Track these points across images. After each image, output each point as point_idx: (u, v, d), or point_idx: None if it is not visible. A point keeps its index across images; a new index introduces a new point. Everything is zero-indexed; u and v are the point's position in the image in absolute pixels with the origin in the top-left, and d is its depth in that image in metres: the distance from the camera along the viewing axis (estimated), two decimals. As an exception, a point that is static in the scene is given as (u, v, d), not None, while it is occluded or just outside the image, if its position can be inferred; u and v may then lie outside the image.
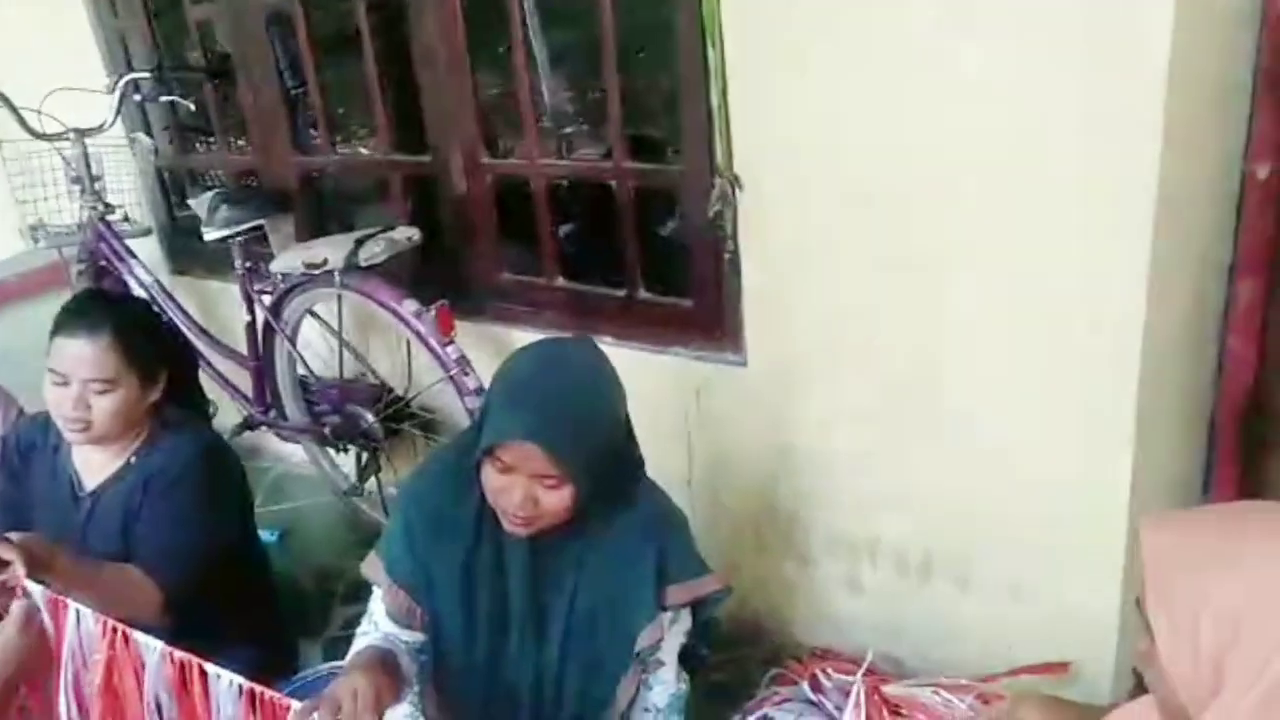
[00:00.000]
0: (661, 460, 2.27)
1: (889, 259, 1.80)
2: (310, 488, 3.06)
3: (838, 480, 2.02)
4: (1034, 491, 1.78)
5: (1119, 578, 1.78)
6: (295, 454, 3.13)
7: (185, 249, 3.28)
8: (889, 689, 1.55)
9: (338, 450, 2.74)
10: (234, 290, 2.88)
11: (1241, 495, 2.03)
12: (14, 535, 1.45)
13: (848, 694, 1.57)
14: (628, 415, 1.47)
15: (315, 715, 1.20)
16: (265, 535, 2.52)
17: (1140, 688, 1.28)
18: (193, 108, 2.92)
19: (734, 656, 2.17)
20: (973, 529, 1.88)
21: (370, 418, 2.52)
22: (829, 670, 1.65)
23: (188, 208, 2.97)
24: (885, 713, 1.50)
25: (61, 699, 1.43)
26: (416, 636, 1.50)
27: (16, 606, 1.44)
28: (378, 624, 1.52)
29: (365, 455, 2.64)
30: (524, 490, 1.33)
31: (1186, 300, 1.80)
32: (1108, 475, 1.73)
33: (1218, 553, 1.01)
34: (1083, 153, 1.57)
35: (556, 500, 1.34)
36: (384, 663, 1.39)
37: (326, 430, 2.62)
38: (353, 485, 2.70)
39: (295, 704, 1.25)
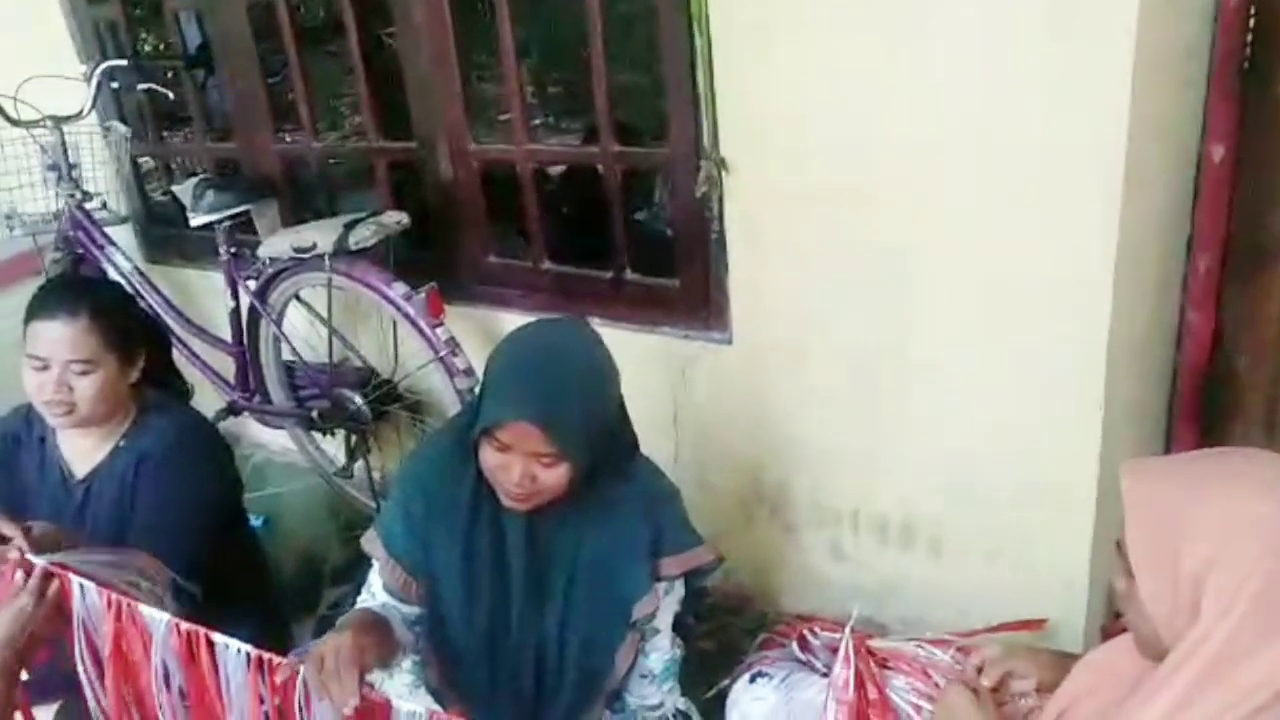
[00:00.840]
0: (649, 438, 2.32)
1: (867, 237, 1.87)
2: (292, 474, 3.08)
3: (820, 453, 2.10)
4: (1006, 459, 1.88)
5: (1088, 540, 1.87)
6: (276, 441, 3.15)
7: (161, 237, 3.28)
8: (874, 643, 1.62)
9: (324, 434, 2.76)
10: (212, 277, 2.90)
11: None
12: (35, 525, 1.47)
13: (835, 651, 1.63)
14: (621, 395, 1.52)
15: (301, 670, 1.22)
16: (251, 521, 2.54)
17: (1110, 636, 1.37)
18: (170, 96, 2.93)
19: (721, 625, 2.25)
20: (949, 497, 1.96)
21: (358, 400, 2.55)
22: (816, 630, 1.72)
23: (164, 196, 2.97)
24: (873, 664, 1.57)
25: (79, 661, 1.45)
26: (413, 609, 1.54)
27: (30, 578, 1.45)
28: (374, 595, 1.56)
29: (354, 438, 2.66)
30: (522, 468, 1.37)
31: (1150, 275, 1.90)
32: (1077, 442, 1.82)
33: (1193, 490, 1.10)
34: (1052, 135, 1.66)
35: (553, 477, 1.38)
36: (373, 625, 1.42)
37: (313, 414, 2.65)
38: (341, 468, 2.72)
39: (377, 696, 1.29)
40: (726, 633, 2.23)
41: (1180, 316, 2.07)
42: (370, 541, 1.55)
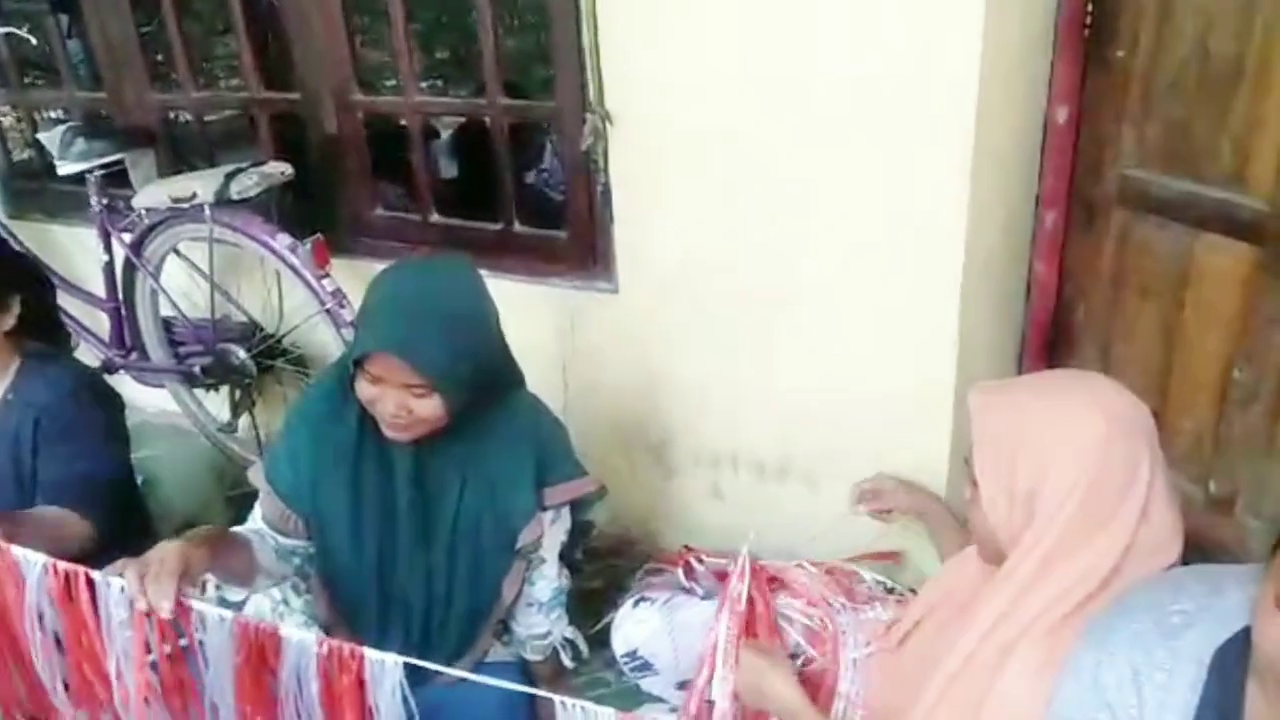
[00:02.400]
0: (538, 387, 2.37)
1: (745, 190, 1.96)
2: (171, 436, 2.99)
3: (701, 396, 2.19)
4: (873, 398, 2.00)
5: (945, 470, 2.02)
6: (154, 403, 3.06)
7: (23, 192, 3.13)
8: (764, 563, 1.72)
9: (207, 390, 2.71)
10: (80, 233, 2.80)
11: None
12: None
13: (719, 577, 1.72)
14: (500, 328, 1.54)
15: (124, 574, 1.22)
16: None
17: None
18: (34, 41, 2.80)
19: (609, 566, 2.34)
20: (822, 434, 2.09)
21: (242, 355, 2.52)
22: (701, 557, 1.81)
23: (30, 146, 2.84)
24: (764, 581, 1.67)
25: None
26: (295, 542, 1.56)
27: None
28: (253, 522, 1.58)
29: (238, 394, 2.63)
30: (395, 400, 1.39)
31: (1000, 229, 2.06)
32: (935, 383, 1.96)
33: (1030, 408, 1.23)
34: (911, 95, 1.77)
35: (427, 408, 1.40)
36: (216, 540, 1.41)
37: (195, 370, 2.60)
38: (225, 424, 2.68)
39: (196, 604, 1.30)
40: (613, 573, 2.31)
41: (1030, 269, 2.25)
42: (254, 472, 1.56)
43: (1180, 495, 1.27)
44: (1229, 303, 1.89)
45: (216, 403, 2.80)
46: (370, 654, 1.17)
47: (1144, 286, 2.06)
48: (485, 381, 1.48)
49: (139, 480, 2.75)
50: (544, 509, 1.55)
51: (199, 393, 2.78)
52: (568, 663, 1.76)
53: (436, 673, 1.58)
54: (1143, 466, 1.17)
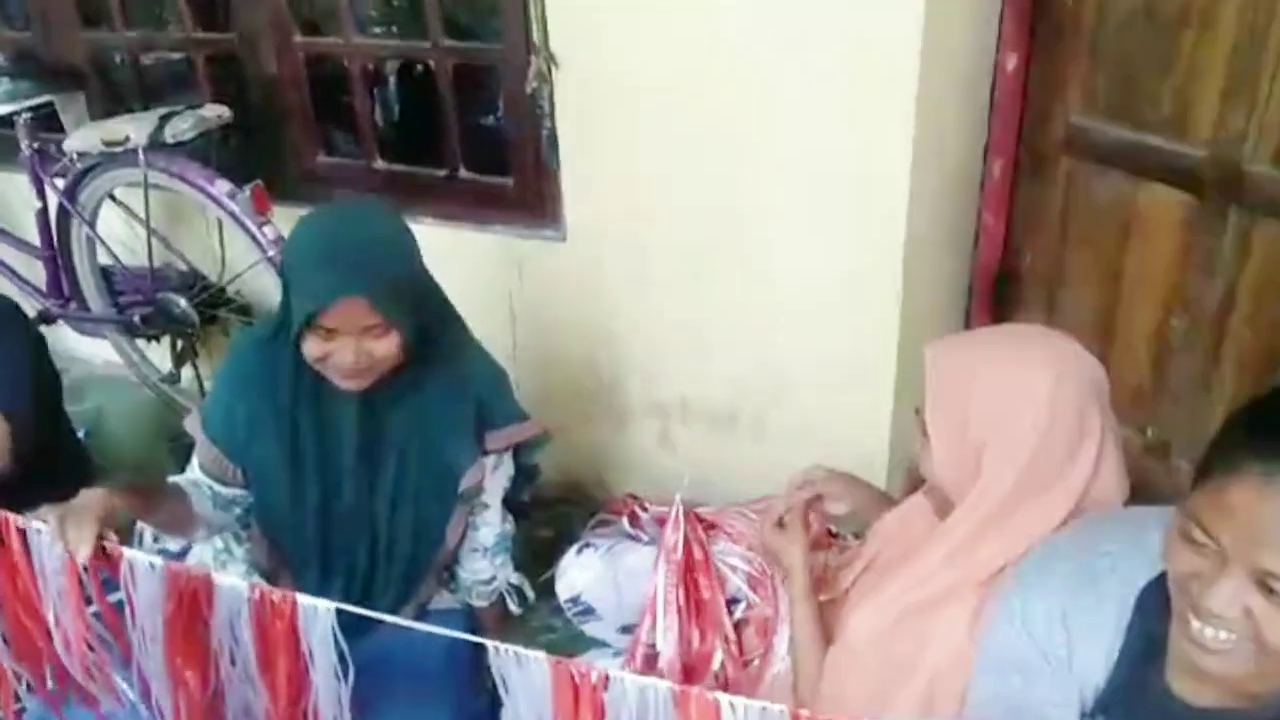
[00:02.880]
0: (487, 335, 2.34)
1: (689, 137, 1.94)
2: (113, 387, 2.95)
3: (651, 344, 2.19)
4: (819, 346, 2.01)
5: (888, 420, 2.05)
6: (95, 355, 3.00)
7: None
8: (701, 510, 1.73)
9: (148, 341, 2.66)
10: (15, 179, 2.70)
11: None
12: None
13: (663, 524, 1.73)
14: (423, 262, 1.50)
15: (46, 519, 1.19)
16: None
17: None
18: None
19: (560, 514, 2.34)
20: (769, 383, 2.09)
21: (184, 304, 2.47)
22: (645, 506, 1.82)
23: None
24: (700, 530, 1.68)
25: None
26: (235, 491, 1.54)
27: None
28: (191, 471, 1.56)
29: (180, 343, 2.58)
30: (354, 349, 1.37)
31: (949, 177, 2.06)
32: (880, 331, 1.97)
33: (984, 361, 1.23)
34: (854, 41, 1.75)
35: (384, 347, 1.38)
36: (144, 489, 1.38)
37: (135, 319, 2.54)
38: (167, 374, 2.64)
39: (128, 552, 1.28)
40: (564, 521, 2.32)
41: (978, 219, 2.25)
42: (191, 421, 1.54)
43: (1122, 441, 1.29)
44: (1168, 252, 1.92)
45: (159, 353, 2.74)
46: (303, 600, 1.16)
47: (1089, 236, 2.08)
48: (427, 311, 1.46)
49: (82, 432, 2.71)
50: (486, 454, 1.54)
51: (141, 344, 2.73)
52: (514, 609, 1.76)
53: (381, 620, 1.61)
54: (1094, 422, 1.17)
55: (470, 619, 1.73)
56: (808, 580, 1.38)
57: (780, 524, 1.44)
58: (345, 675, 1.21)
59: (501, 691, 1.10)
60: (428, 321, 1.45)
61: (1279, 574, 0.82)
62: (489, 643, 1.10)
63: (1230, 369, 1.85)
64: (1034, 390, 1.16)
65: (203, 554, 1.68)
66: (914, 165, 1.82)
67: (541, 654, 1.09)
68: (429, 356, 1.47)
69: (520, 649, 1.10)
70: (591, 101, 2.01)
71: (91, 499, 1.19)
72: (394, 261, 1.39)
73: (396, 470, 1.52)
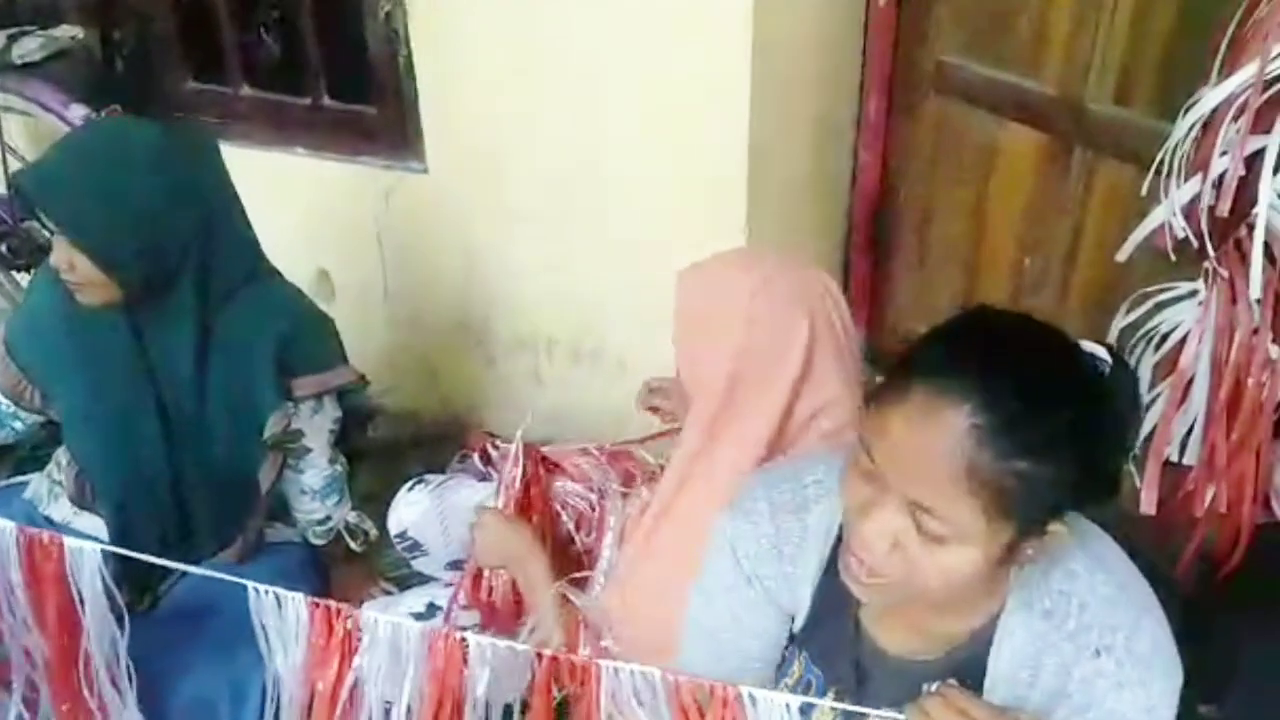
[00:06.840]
0: (357, 273, 2.32)
1: (546, 65, 1.88)
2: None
3: (517, 280, 2.15)
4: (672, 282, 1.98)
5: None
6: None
7: None
8: (546, 449, 1.72)
9: (18, 271, 2.59)
10: None
11: (874, 285, 2.35)
12: None
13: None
14: (217, 204, 1.44)
15: None
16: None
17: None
18: None
19: (436, 451, 2.33)
20: (629, 318, 2.07)
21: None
22: (497, 444, 1.80)
23: None
24: (542, 470, 1.67)
25: None
26: (32, 416, 1.55)
27: None
28: None
29: (48, 274, 2.51)
30: (64, 250, 1.35)
31: (820, 116, 2.02)
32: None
33: (698, 282, 1.30)
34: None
35: (84, 265, 1.34)
36: None
37: (3, 248, 2.47)
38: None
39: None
40: (439, 457, 2.30)
41: (855, 158, 2.23)
42: None
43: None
44: (1023, 191, 1.91)
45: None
46: (70, 543, 1.15)
47: (956, 174, 2.07)
48: (162, 252, 1.38)
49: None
50: (293, 399, 1.51)
51: (16, 275, 2.65)
52: (356, 547, 1.76)
53: (215, 557, 1.60)
54: (799, 331, 1.20)
55: (311, 551, 1.73)
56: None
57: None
58: (121, 620, 1.20)
59: (260, 639, 1.10)
60: (167, 257, 1.39)
61: (927, 505, 0.80)
62: (249, 584, 1.09)
63: (1077, 305, 1.86)
64: (730, 304, 1.23)
65: (37, 486, 1.66)
66: (753, 103, 1.77)
67: (300, 596, 1.09)
68: (228, 298, 1.44)
69: (280, 590, 1.09)
70: (444, 28, 1.94)
71: None
72: (106, 197, 1.33)
73: (196, 412, 1.48)
